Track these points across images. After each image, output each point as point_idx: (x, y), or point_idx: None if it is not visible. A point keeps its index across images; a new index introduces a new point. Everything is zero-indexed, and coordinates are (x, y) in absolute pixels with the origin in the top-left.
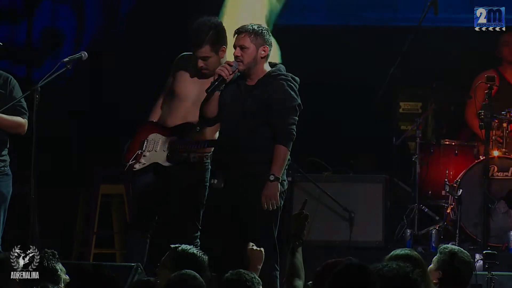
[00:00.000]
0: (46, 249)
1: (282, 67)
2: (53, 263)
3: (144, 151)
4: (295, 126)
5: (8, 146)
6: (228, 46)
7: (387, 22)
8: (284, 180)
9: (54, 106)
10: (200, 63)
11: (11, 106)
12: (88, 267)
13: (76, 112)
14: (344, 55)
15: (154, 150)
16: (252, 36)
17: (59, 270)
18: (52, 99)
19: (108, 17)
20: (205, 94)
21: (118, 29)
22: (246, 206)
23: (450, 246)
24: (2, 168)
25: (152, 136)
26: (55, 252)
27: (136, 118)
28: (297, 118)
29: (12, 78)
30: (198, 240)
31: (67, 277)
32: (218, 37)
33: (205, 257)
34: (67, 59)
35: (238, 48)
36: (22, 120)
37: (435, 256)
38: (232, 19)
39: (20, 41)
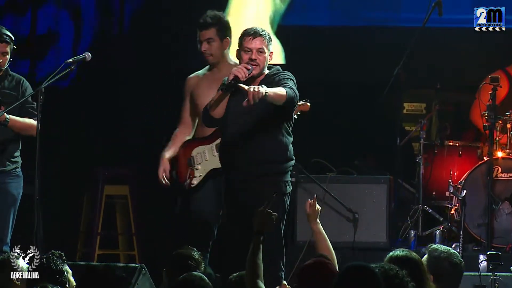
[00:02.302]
0: (53, 251)
1: (279, 68)
2: (60, 265)
3: (194, 166)
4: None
5: (20, 148)
6: (230, 45)
7: (390, 23)
8: (288, 181)
9: (58, 106)
10: (204, 46)
11: (24, 108)
12: (98, 267)
13: (80, 112)
14: (348, 56)
15: (205, 159)
16: (266, 41)
17: (66, 272)
18: (56, 100)
19: (109, 18)
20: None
21: (121, 30)
22: (252, 206)
23: (440, 247)
24: (14, 170)
25: (196, 150)
26: (62, 253)
27: (139, 117)
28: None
29: (25, 80)
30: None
31: (73, 279)
32: (224, 26)
33: (201, 261)
34: (71, 60)
35: (255, 51)
36: (34, 122)
37: (424, 257)
38: (236, 19)
39: (24, 34)
